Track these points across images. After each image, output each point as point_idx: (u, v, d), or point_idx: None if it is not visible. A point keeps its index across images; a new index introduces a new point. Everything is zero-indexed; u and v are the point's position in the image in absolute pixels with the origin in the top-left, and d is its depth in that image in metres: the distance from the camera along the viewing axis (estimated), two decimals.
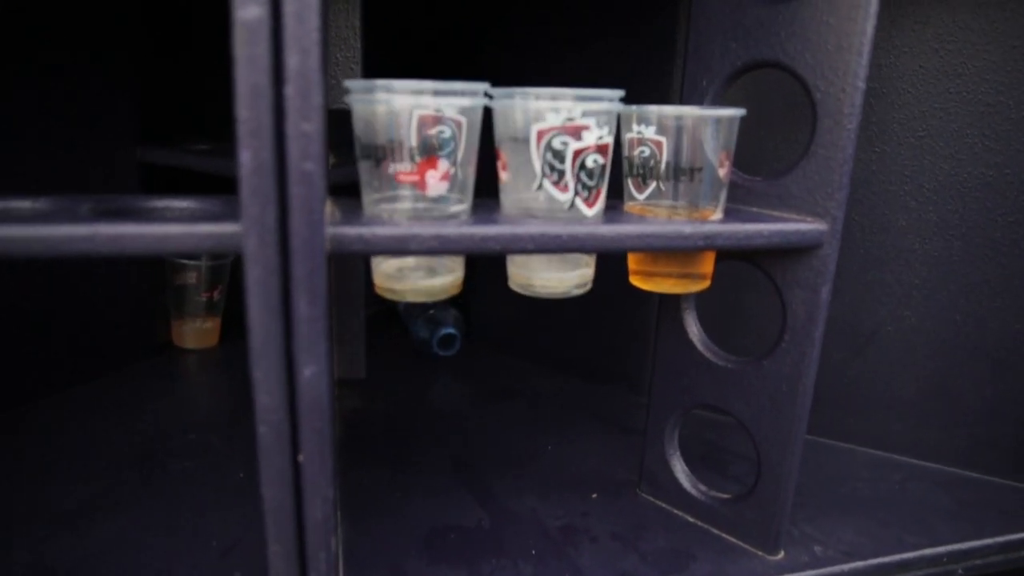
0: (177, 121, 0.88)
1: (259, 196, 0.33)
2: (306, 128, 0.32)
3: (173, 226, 0.34)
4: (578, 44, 0.78)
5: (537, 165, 0.41)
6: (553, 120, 0.40)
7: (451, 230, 0.38)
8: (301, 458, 0.37)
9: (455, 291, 0.44)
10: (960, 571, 0.56)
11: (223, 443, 0.65)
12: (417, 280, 0.43)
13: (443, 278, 0.44)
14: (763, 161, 0.63)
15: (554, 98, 0.40)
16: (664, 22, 0.70)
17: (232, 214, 0.36)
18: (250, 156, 0.32)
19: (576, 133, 0.40)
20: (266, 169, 0.32)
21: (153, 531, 0.51)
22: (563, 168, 0.41)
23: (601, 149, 0.41)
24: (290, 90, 0.32)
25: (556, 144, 0.41)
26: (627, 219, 0.43)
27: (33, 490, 0.56)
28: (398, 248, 0.37)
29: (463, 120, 0.38)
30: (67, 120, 0.70)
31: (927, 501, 0.61)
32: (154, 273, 0.83)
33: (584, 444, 0.69)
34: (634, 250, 0.41)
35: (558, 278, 0.45)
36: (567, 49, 0.79)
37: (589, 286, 0.46)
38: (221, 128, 0.90)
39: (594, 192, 0.42)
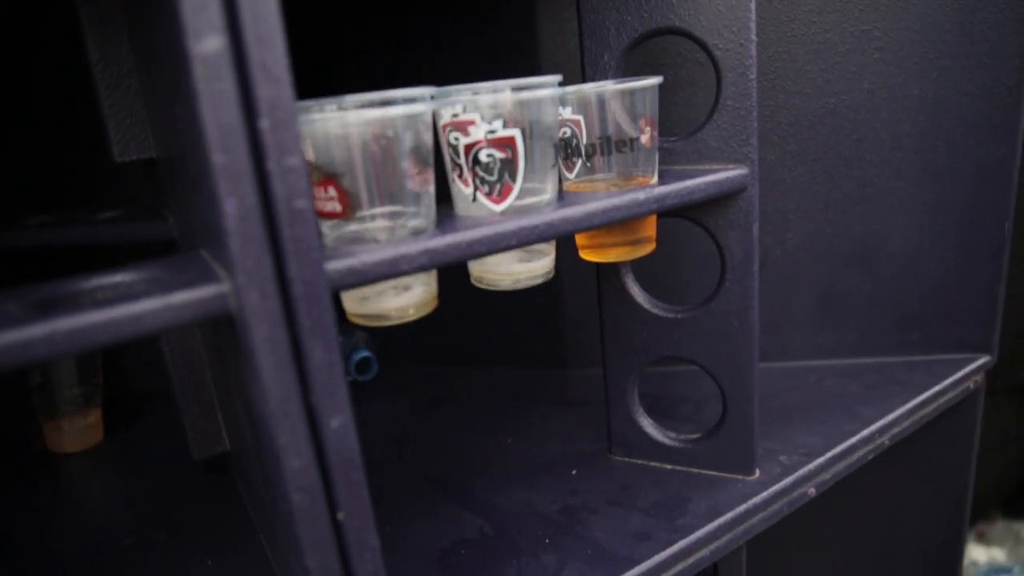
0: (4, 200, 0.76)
1: (253, 245, 0.29)
2: (291, 163, 0.29)
3: (145, 302, 0.30)
4: (439, 40, 0.78)
5: (446, 160, 0.41)
6: (446, 116, 0.40)
7: (437, 242, 0.37)
8: (341, 516, 0.34)
9: (431, 307, 0.43)
10: (886, 442, 0.64)
11: (169, 537, 0.57)
12: (392, 300, 0.41)
13: (414, 293, 0.42)
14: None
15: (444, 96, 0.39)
16: (522, 6, 0.72)
17: (196, 275, 0.33)
18: (235, 203, 0.29)
19: (463, 128, 0.40)
20: (254, 215, 0.29)
21: None
22: (460, 162, 0.41)
23: (496, 143, 0.40)
24: (265, 124, 0.29)
25: (451, 139, 0.41)
26: (584, 198, 0.44)
27: None
28: (390, 272, 0.35)
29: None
30: None
31: (844, 393, 0.69)
32: (11, 378, 0.71)
33: (536, 427, 0.70)
34: (601, 225, 0.42)
35: (529, 268, 0.45)
36: (428, 48, 0.79)
37: (552, 273, 0.47)
38: (56, 196, 0.79)
39: (499, 187, 0.40)
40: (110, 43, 0.51)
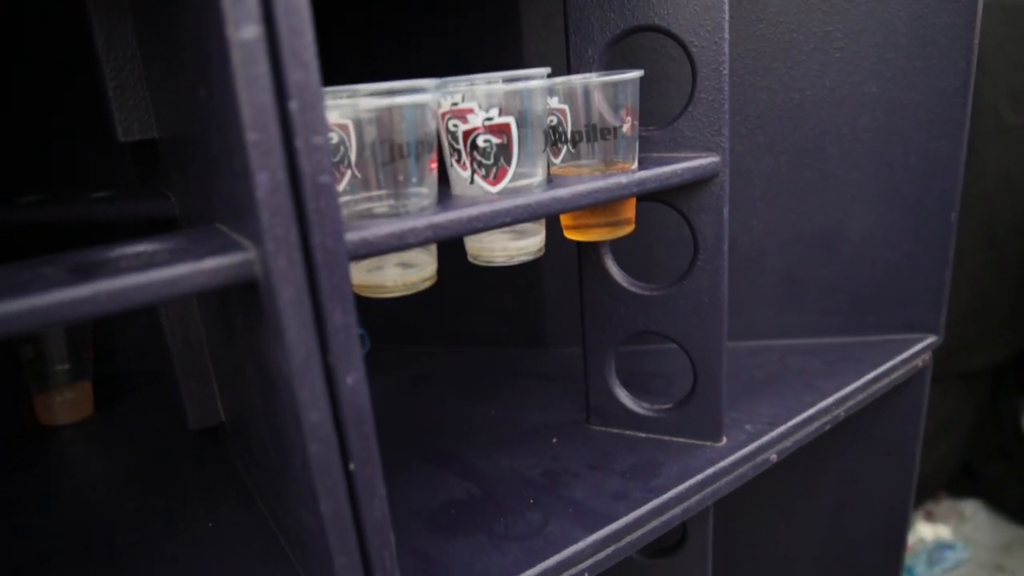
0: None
1: (281, 216, 0.32)
2: (317, 141, 0.33)
3: (180, 267, 0.33)
4: (425, 27, 0.81)
5: (445, 146, 0.44)
6: (445, 105, 0.43)
7: (440, 218, 0.40)
8: (352, 466, 0.37)
9: (431, 282, 0.46)
10: (842, 414, 0.70)
11: (167, 502, 0.60)
12: (395, 274, 0.45)
13: (419, 269, 0.45)
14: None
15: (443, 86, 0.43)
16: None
17: (220, 244, 0.36)
18: (267, 177, 0.32)
19: (462, 116, 0.44)
20: (283, 188, 0.32)
21: None
22: (459, 148, 0.44)
23: (493, 130, 0.44)
24: (295, 105, 0.32)
25: (450, 126, 0.44)
26: (571, 181, 0.48)
27: None
28: (399, 244, 0.39)
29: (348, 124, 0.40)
30: None
31: (805, 368, 0.74)
32: (2, 351, 0.72)
33: (518, 400, 0.74)
34: (587, 206, 0.46)
35: (520, 245, 0.49)
36: (416, 35, 0.81)
37: (542, 251, 0.51)
38: (44, 172, 0.80)
39: (495, 170, 0.44)
40: (116, 27, 0.53)
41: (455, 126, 0.44)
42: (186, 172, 0.49)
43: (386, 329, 0.95)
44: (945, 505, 1.89)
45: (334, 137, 0.39)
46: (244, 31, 0.30)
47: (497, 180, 0.44)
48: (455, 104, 0.43)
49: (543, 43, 0.75)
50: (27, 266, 0.34)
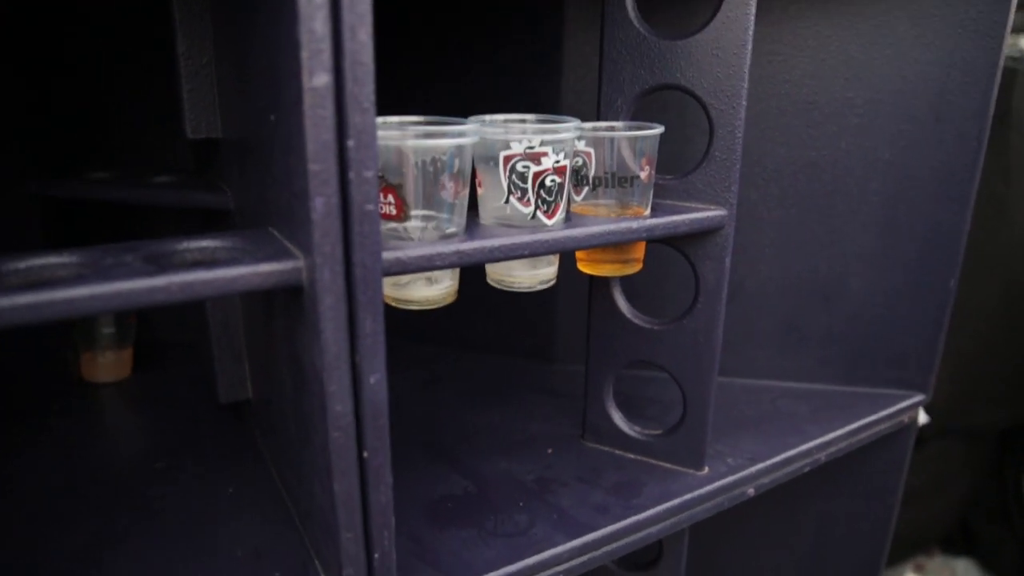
0: (67, 151, 0.83)
1: (330, 236, 0.38)
2: (367, 175, 0.38)
3: (236, 268, 0.38)
4: (470, 61, 0.86)
5: (504, 183, 0.50)
6: (516, 148, 0.49)
7: (467, 245, 0.45)
8: (366, 454, 0.43)
9: (452, 299, 0.52)
10: (823, 458, 0.74)
11: (194, 465, 0.66)
12: (420, 289, 0.50)
13: (441, 286, 0.51)
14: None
15: (521, 131, 0.48)
16: (549, 35, 0.80)
17: (275, 250, 0.41)
18: (322, 202, 0.37)
19: (536, 159, 0.49)
20: (335, 212, 0.38)
21: (174, 552, 0.53)
22: (526, 187, 0.50)
23: (558, 171, 0.50)
24: (352, 143, 0.37)
25: (519, 167, 0.49)
26: (586, 221, 0.53)
27: (26, 535, 0.54)
28: (427, 265, 0.44)
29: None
30: None
31: (793, 412, 0.78)
32: None
33: (522, 410, 0.79)
34: (599, 246, 0.51)
35: (531, 275, 0.54)
36: (461, 67, 0.87)
37: (554, 281, 0.56)
38: (115, 155, 0.87)
39: (553, 206, 0.50)
40: (196, 38, 0.59)
41: (525, 167, 0.49)
42: (245, 174, 0.55)
43: (406, 329, 1.01)
44: (938, 561, 1.90)
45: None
46: (317, 79, 0.36)
47: (553, 214, 0.50)
48: (530, 148, 0.48)
49: (580, 81, 0.80)
50: (109, 252, 0.40)
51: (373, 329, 0.41)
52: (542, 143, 0.48)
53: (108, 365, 0.83)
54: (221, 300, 0.67)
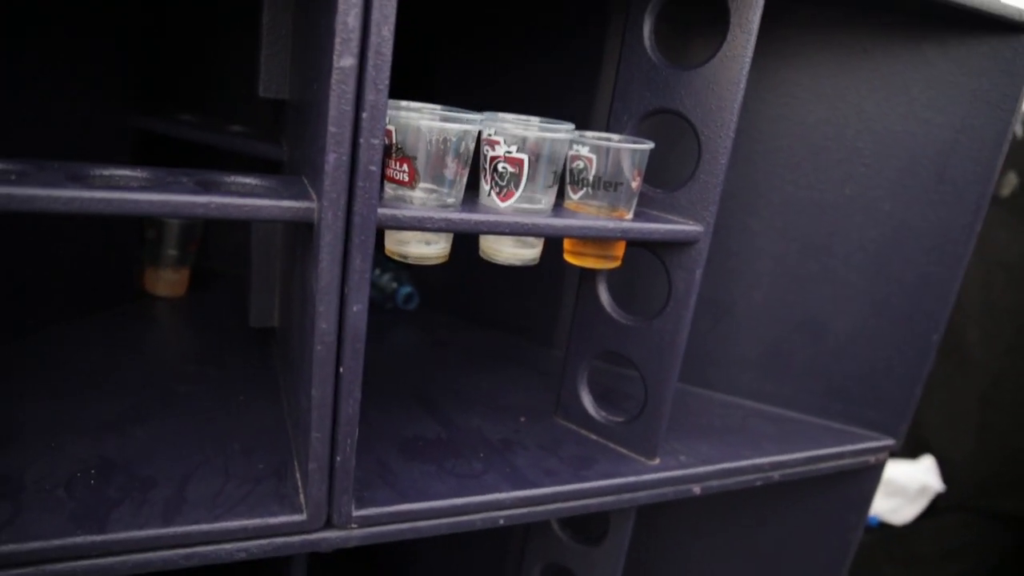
0: (163, 91, 0.97)
1: (337, 185, 0.47)
2: (374, 142, 0.47)
3: (264, 200, 0.48)
4: (516, 64, 0.95)
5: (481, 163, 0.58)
6: (484, 134, 0.57)
7: (454, 215, 0.54)
8: (342, 369, 0.52)
9: (442, 260, 0.61)
10: (776, 476, 0.79)
11: (218, 372, 0.77)
12: (417, 247, 0.59)
13: (436, 247, 0.60)
14: (660, 173, 0.83)
15: (482, 121, 0.56)
16: (590, 48, 0.88)
17: (298, 192, 0.51)
18: (335, 158, 0.47)
19: (491, 144, 0.57)
20: (344, 167, 0.47)
21: (184, 436, 0.64)
22: (486, 167, 0.58)
23: (510, 161, 0.57)
24: (365, 116, 0.47)
25: (483, 150, 0.58)
26: (569, 214, 0.61)
27: (69, 405, 0.67)
28: (418, 226, 0.53)
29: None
30: (65, 85, 0.78)
31: (759, 430, 0.84)
32: (129, 227, 0.92)
33: (510, 381, 0.88)
34: (575, 238, 0.59)
35: (518, 253, 0.62)
36: (506, 72, 0.96)
37: (535, 261, 0.64)
38: (201, 101, 1.00)
39: (506, 191, 0.58)
40: (279, 14, 0.70)
41: (487, 151, 0.58)
42: (295, 131, 0.66)
43: (433, 297, 1.11)
44: None
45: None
46: (344, 61, 0.45)
47: (505, 198, 0.57)
48: (489, 134, 0.57)
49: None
50: (171, 173, 0.51)
51: (361, 267, 0.50)
52: (495, 132, 0.56)
53: (167, 281, 0.96)
54: (265, 235, 0.78)
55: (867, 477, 0.88)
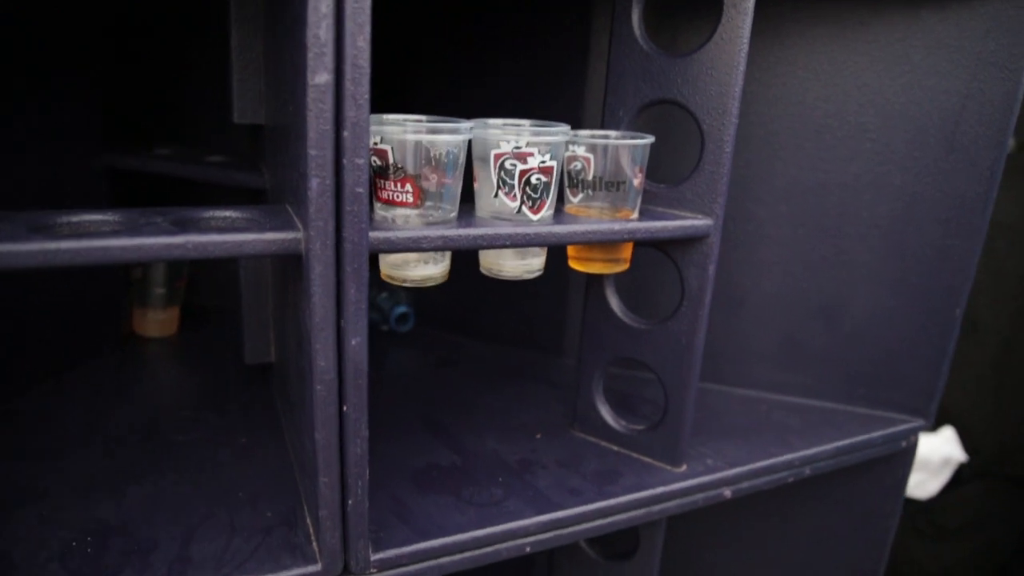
0: (135, 127, 0.93)
1: (323, 212, 0.44)
2: (358, 162, 0.44)
3: (246, 235, 0.45)
4: (500, 66, 0.92)
5: (494, 179, 0.54)
6: (505, 147, 0.53)
7: (452, 231, 0.51)
8: (346, 408, 0.49)
9: (442, 280, 0.57)
10: (808, 471, 0.76)
11: (216, 417, 0.74)
12: (417, 269, 0.56)
13: (437, 267, 0.56)
14: (658, 167, 0.80)
15: (516, 133, 0.53)
16: (574, 43, 0.85)
17: (282, 222, 0.47)
18: (318, 183, 0.43)
19: (522, 158, 0.54)
20: (328, 192, 0.44)
21: (184, 489, 0.60)
22: (512, 183, 0.54)
23: (543, 171, 0.54)
24: (347, 135, 0.43)
25: (507, 165, 0.54)
26: (572, 220, 0.57)
27: (57, 463, 0.63)
28: (414, 247, 0.50)
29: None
30: (32, 130, 0.75)
31: (784, 424, 0.80)
32: (114, 269, 0.88)
33: (521, 397, 0.84)
34: (580, 243, 0.56)
35: (522, 264, 0.59)
36: (490, 74, 0.93)
37: (540, 271, 0.61)
38: (179, 133, 0.97)
39: (539, 202, 0.55)
40: (248, 36, 0.67)
41: (512, 165, 0.54)
42: (274, 157, 0.62)
43: (432, 315, 1.07)
44: None
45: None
46: (319, 77, 0.42)
47: (538, 210, 0.54)
48: (518, 148, 0.53)
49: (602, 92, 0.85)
50: (144, 214, 0.48)
51: (357, 297, 0.46)
52: (528, 144, 0.53)
53: (157, 322, 0.92)
54: (254, 269, 0.75)
55: (899, 462, 0.85)
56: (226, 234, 0.44)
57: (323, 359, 0.47)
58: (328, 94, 0.42)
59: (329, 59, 0.42)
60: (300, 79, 0.43)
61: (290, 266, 0.54)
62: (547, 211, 0.56)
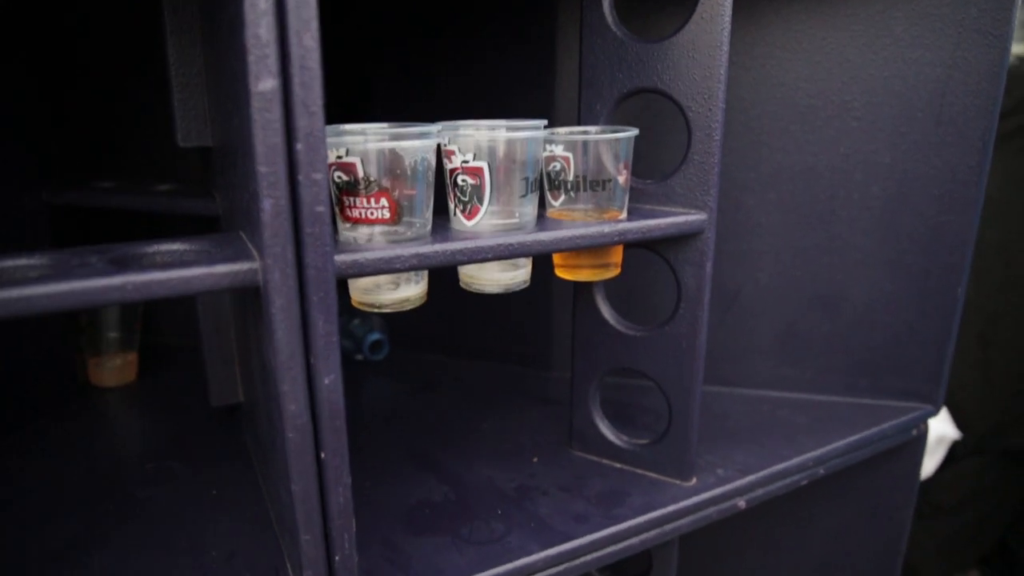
0: (76, 161, 0.87)
1: (280, 237, 0.39)
2: (316, 177, 0.39)
3: (194, 269, 0.39)
4: (464, 67, 0.87)
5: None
6: (445, 146, 0.49)
7: (427, 248, 0.46)
8: (324, 455, 0.43)
9: (420, 302, 0.52)
10: (822, 471, 0.72)
11: (184, 468, 0.67)
12: (392, 292, 0.51)
13: (414, 288, 0.51)
14: (639, 163, 0.76)
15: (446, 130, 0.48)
16: (541, 37, 0.80)
17: (235, 252, 0.42)
18: (271, 204, 0.38)
19: (448, 156, 0.49)
20: (284, 213, 0.38)
21: (151, 552, 0.54)
22: (448, 183, 0.50)
23: (468, 171, 0.49)
24: (300, 147, 0.38)
25: (444, 164, 0.49)
26: (554, 225, 0.53)
27: (12, 534, 0.56)
28: (386, 268, 0.44)
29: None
30: None
31: (791, 422, 0.76)
32: (65, 318, 0.82)
33: (512, 417, 0.79)
34: (568, 250, 0.51)
35: (506, 277, 0.54)
36: (455, 72, 0.88)
37: (527, 283, 0.56)
38: (125, 163, 0.90)
39: (471, 207, 0.49)
40: (186, 48, 0.61)
41: (446, 164, 0.49)
42: (224, 180, 0.57)
43: (406, 336, 1.01)
44: None
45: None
46: (263, 84, 0.36)
47: (471, 216, 0.49)
48: (444, 145, 0.48)
49: (574, 89, 0.80)
50: (79, 253, 0.42)
51: (326, 330, 0.41)
52: (449, 141, 0.48)
53: (114, 370, 0.85)
54: (212, 304, 0.69)
55: (911, 451, 0.81)
56: (171, 270, 0.39)
57: (293, 402, 0.41)
58: (275, 102, 0.37)
59: (273, 61, 0.36)
60: (243, 87, 0.37)
61: (249, 299, 0.48)
62: (480, 216, 0.49)
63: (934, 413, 0.80)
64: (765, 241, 0.80)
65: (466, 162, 0.47)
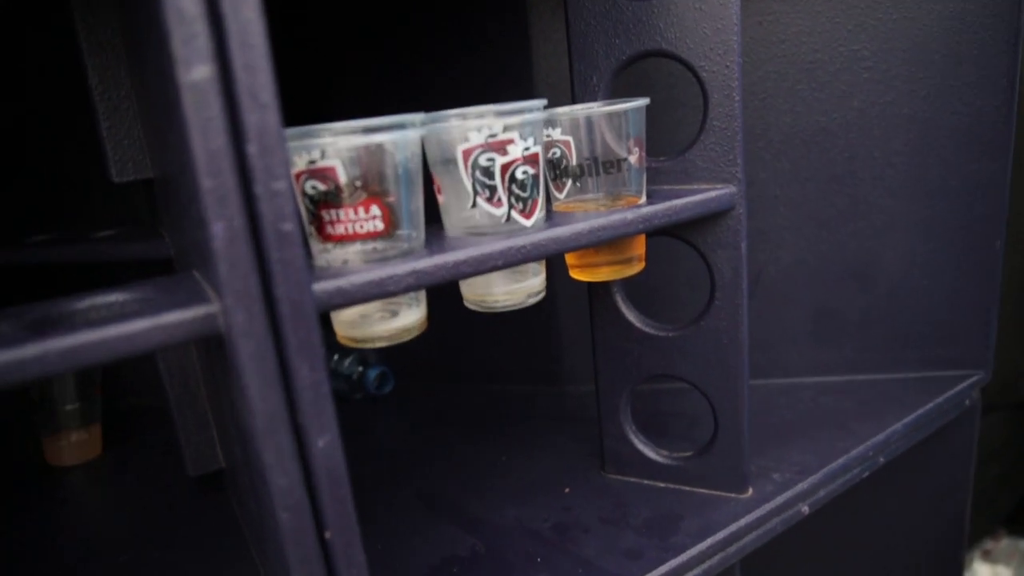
0: (5, 217, 0.77)
1: (240, 267, 0.30)
2: (277, 187, 0.30)
3: (138, 322, 0.30)
4: (432, 61, 0.79)
5: (468, 184, 0.41)
6: (476, 139, 0.41)
7: (424, 262, 0.37)
8: (328, 534, 0.34)
9: (421, 329, 0.43)
10: (881, 459, 0.64)
11: (164, 555, 0.58)
12: (382, 323, 0.42)
13: (414, 312, 0.43)
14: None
15: (478, 116, 0.40)
16: (515, 28, 0.73)
17: (187, 295, 0.33)
18: (223, 227, 0.29)
19: (501, 148, 0.41)
20: (242, 237, 0.30)
21: None
22: (494, 184, 0.41)
23: (529, 160, 0.42)
24: (253, 149, 0.29)
25: (483, 162, 0.41)
26: (572, 218, 0.45)
27: None
28: (378, 292, 0.36)
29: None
30: None
31: (839, 409, 0.69)
32: (12, 393, 0.71)
33: (533, 444, 0.71)
34: (588, 245, 0.43)
35: (515, 290, 0.46)
36: (421, 66, 0.80)
37: (543, 293, 0.48)
38: (62, 212, 0.80)
39: (530, 203, 0.42)
40: (109, 68, 0.52)
41: (490, 160, 0.41)
42: (170, 214, 0.48)
43: (405, 365, 0.92)
44: (1005, 544, 1.77)
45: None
46: (195, 72, 0.28)
47: (531, 213, 0.41)
48: (492, 136, 0.40)
49: (553, 73, 0.73)
50: None
51: (314, 380, 0.32)
52: (506, 128, 0.40)
53: (74, 447, 0.75)
54: (177, 361, 0.59)
55: (965, 423, 0.74)
56: (107, 327, 0.30)
57: (282, 476, 0.32)
58: (212, 93, 0.28)
59: (203, 42, 0.28)
60: (171, 84, 0.29)
61: (213, 351, 0.39)
62: (540, 212, 0.43)
63: (986, 380, 0.73)
64: (783, 215, 0.72)
65: (528, 150, 0.40)
